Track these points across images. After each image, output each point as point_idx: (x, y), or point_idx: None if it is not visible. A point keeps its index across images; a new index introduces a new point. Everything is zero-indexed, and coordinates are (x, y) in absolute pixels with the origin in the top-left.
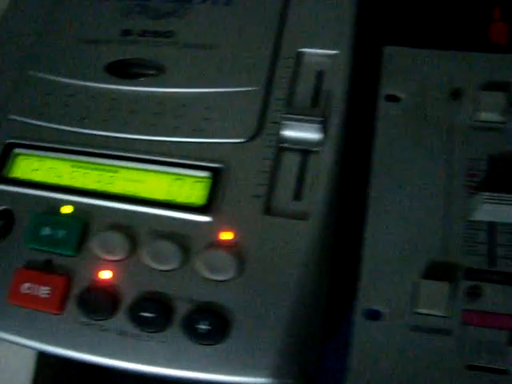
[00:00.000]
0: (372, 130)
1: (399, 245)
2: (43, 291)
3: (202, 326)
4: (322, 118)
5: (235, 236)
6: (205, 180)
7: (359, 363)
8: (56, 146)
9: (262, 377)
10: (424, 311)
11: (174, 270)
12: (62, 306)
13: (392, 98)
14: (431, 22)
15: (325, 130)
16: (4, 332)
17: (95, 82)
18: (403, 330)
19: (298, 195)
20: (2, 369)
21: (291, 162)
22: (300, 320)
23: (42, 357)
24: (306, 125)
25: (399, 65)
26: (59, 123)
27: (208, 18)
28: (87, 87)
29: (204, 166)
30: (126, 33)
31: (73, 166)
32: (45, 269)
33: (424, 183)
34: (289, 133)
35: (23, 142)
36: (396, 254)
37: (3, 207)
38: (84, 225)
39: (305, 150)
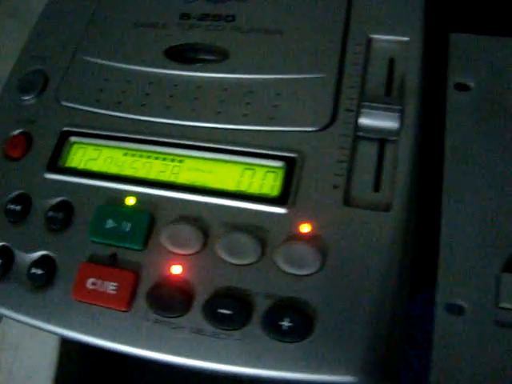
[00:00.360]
0: (443, 120)
1: (477, 237)
2: (110, 287)
3: (285, 323)
4: (400, 107)
5: (314, 228)
6: (278, 170)
7: (441, 358)
8: (114, 134)
9: (348, 375)
10: (508, 306)
11: (251, 264)
12: (130, 302)
13: (461, 87)
14: (497, 8)
15: (402, 118)
16: (68, 329)
17: (154, 67)
18: (487, 325)
19: (376, 186)
20: (26, 357)
21: (368, 151)
22: (386, 315)
23: (65, 346)
24: (384, 113)
25: (467, 52)
26: (117, 110)
27: (270, 2)
28: (146, 73)
29: (277, 156)
30: (185, 16)
31: (133, 156)
32: (110, 263)
33: (500, 173)
34: (366, 121)
35: (79, 129)
36: (474, 246)
37: (61, 198)
38: (151, 217)
39: (382, 139)
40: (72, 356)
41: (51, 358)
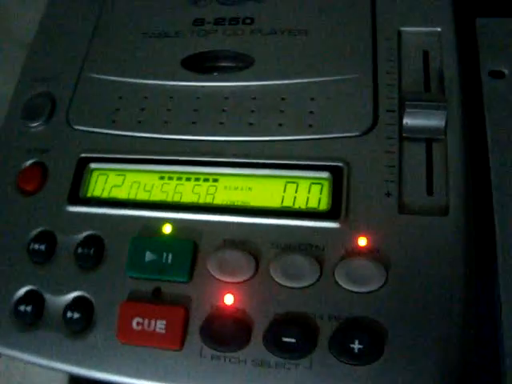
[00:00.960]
0: (482, 110)
1: None
2: (159, 326)
3: (355, 345)
4: (445, 103)
5: (371, 240)
6: (323, 181)
7: None
8: (137, 156)
9: None
10: None
11: (310, 285)
12: (182, 340)
13: (496, 74)
14: None
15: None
16: (116, 374)
17: (172, 80)
18: None
19: (430, 189)
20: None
21: (416, 153)
22: (458, 325)
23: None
24: (429, 111)
25: (496, 38)
26: (137, 130)
27: (288, 1)
28: (164, 86)
29: (320, 166)
30: (199, 22)
31: (161, 178)
32: (155, 300)
33: None
34: (411, 121)
35: (97, 155)
36: None
37: (88, 233)
38: (194, 245)
39: (429, 138)
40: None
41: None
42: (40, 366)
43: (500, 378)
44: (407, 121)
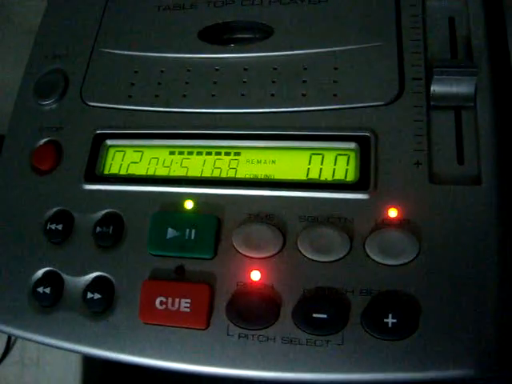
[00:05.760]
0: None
1: None
2: (183, 304)
3: (389, 320)
4: (475, 69)
5: (402, 212)
6: (350, 152)
7: None
8: (155, 131)
9: (464, 368)
10: None
11: (340, 259)
12: (208, 319)
13: None
14: None
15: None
16: (140, 356)
17: (190, 52)
18: None
19: (460, 158)
20: (50, 371)
21: (445, 121)
22: (494, 298)
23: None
24: (458, 77)
25: None
26: (155, 105)
27: None
28: (181, 59)
29: (347, 136)
30: None
31: (181, 153)
32: (178, 278)
33: None
34: (439, 88)
35: (114, 131)
36: None
37: (107, 211)
38: (218, 220)
39: (458, 106)
40: (96, 367)
41: (75, 371)
42: (59, 348)
43: None
44: (435, 88)
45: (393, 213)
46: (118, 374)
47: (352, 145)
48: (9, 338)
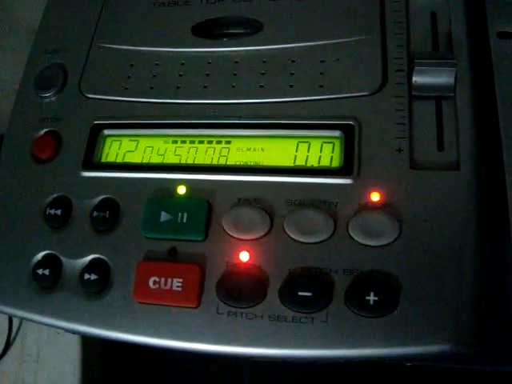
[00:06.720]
0: (490, 71)
1: None
2: (176, 284)
3: (370, 297)
4: (454, 60)
5: (384, 195)
6: (335, 140)
7: None
8: (150, 121)
9: (442, 343)
10: None
11: (324, 240)
12: (199, 297)
13: (505, 35)
14: None
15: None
16: (134, 334)
17: (183, 46)
18: None
19: (441, 145)
20: (49, 368)
21: (426, 110)
22: (470, 277)
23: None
24: (438, 69)
25: None
26: (150, 96)
27: None
28: (175, 53)
29: (332, 125)
30: None
31: (175, 142)
32: (171, 259)
33: None
34: (420, 79)
35: (111, 121)
36: None
37: (103, 196)
38: (208, 204)
39: (438, 96)
40: (95, 363)
41: (74, 367)
42: (58, 327)
43: None
44: (416, 79)
45: (375, 197)
46: (116, 370)
47: (337, 133)
48: (9, 334)
